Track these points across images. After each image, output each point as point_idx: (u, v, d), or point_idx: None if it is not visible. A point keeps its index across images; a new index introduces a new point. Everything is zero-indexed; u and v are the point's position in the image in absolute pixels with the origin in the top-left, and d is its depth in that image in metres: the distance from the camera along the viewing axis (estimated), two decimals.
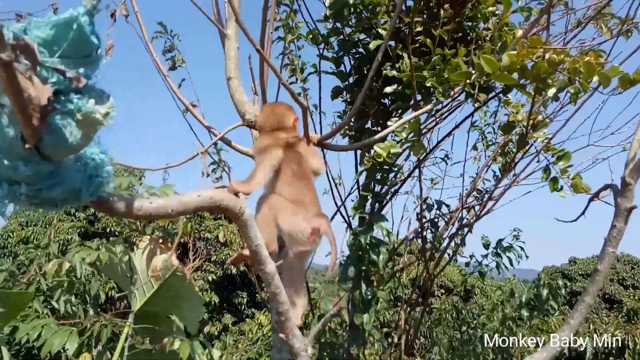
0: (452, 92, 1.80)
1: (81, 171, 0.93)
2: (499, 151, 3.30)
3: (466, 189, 3.50)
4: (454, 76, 1.59)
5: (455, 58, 1.78)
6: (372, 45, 2.15)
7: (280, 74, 1.71)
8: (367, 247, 1.95)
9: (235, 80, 1.69)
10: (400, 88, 2.08)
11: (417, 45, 2.11)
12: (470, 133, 3.54)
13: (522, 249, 3.47)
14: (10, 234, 12.13)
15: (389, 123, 1.95)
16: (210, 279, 15.46)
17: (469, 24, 2.14)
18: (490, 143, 3.56)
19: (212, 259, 15.95)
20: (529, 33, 1.82)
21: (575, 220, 2.33)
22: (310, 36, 2.66)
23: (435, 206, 3.05)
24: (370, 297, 1.95)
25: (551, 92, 1.99)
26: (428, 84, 1.79)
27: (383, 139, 1.88)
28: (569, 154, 2.35)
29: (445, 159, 3.52)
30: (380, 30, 2.20)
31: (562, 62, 1.75)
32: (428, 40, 1.97)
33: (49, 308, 5.61)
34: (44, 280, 4.87)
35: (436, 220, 3.09)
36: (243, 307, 17.11)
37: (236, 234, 17.07)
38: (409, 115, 1.90)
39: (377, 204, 2.64)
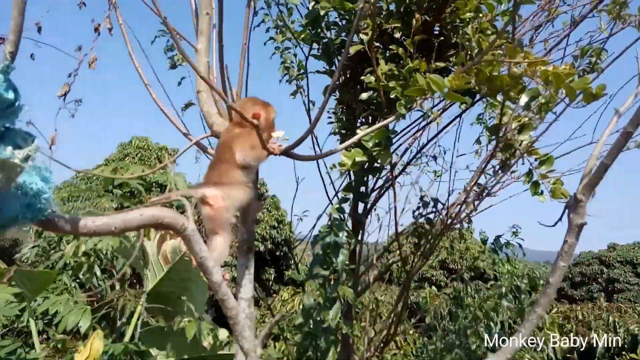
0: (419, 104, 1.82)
1: (20, 199, 1.06)
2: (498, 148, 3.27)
3: (466, 184, 3.49)
4: (409, 92, 1.62)
5: (425, 69, 1.80)
6: (352, 49, 2.18)
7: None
8: (328, 250, 2.05)
9: (204, 93, 1.78)
10: (374, 95, 2.11)
11: (396, 51, 2.13)
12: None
13: (520, 245, 3.46)
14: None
15: (358, 131, 2.00)
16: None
17: (448, 29, 2.14)
18: (492, 138, 3.52)
19: None
20: (495, 42, 1.81)
21: (553, 225, 2.33)
22: (302, 36, 2.70)
23: (431, 203, 3.09)
24: (334, 295, 2.06)
25: (522, 100, 1.98)
26: (392, 96, 1.82)
27: (351, 147, 1.94)
28: (551, 158, 2.33)
29: (440, 155, 3.52)
30: (361, 34, 2.22)
31: (526, 74, 1.75)
32: (400, 49, 1.99)
33: (77, 282, 6.03)
34: (72, 257, 5.22)
35: (432, 217, 3.12)
36: (270, 282, 17.66)
37: (265, 212, 17.57)
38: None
39: (362, 204, 2.71)
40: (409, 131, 2.97)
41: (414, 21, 1.93)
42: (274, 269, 17.90)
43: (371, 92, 2.14)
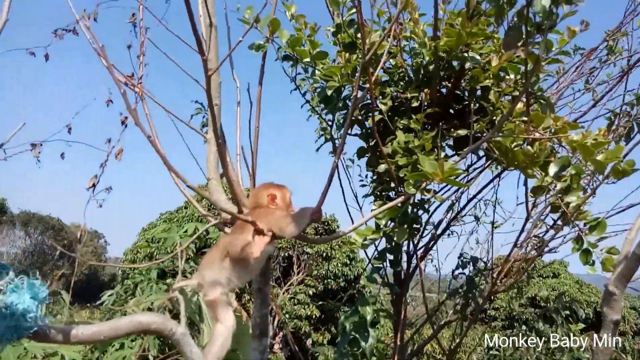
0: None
1: (5, 320, 1.14)
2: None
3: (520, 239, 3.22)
4: (410, 177, 1.54)
5: (429, 148, 1.71)
6: (370, 122, 2.15)
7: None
8: (354, 332, 1.96)
9: (214, 181, 1.83)
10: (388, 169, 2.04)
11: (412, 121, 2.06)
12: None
13: None
14: (139, 250, 13.59)
15: (372, 207, 1.93)
16: (310, 292, 15.99)
17: (469, 96, 2.03)
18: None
19: (313, 274, 16.46)
20: (513, 111, 1.69)
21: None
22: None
23: (471, 263, 2.88)
24: None
25: (552, 170, 1.81)
26: (401, 174, 1.75)
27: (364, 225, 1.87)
28: (603, 224, 2.08)
29: (481, 216, 3.28)
30: (380, 103, 2.18)
31: (542, 151, 1.60)
32: (412, 121, 1.92)
33: None
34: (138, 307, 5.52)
35: (474, 276, 2.90)
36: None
37: (336, 248, 17.51)
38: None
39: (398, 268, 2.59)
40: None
41: (422, 94, 1.86)
42: (347, 306, 17.63)
43: (386, 165, 2.08)
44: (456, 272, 2.99)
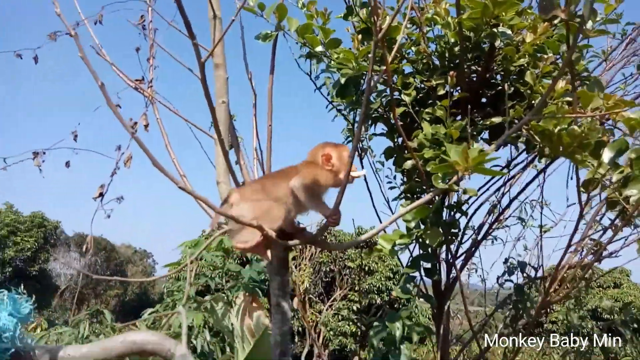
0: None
1: None
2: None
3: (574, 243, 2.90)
4: (436, 169, 1.34)
5: (457, 136, 1.50)
6: (398, 112, 1.96)
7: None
8: (385, 350, 1.74)
9: (224, 184, 1.70)
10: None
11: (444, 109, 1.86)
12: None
13: None
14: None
15: (400, 205, 1.73)
16: (354, 308, 15.64)
17: (503, 79, 1.80)
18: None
19: (356, 288, 16.11)
20: (553, 89, 1.45)
21: None
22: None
23: (518, 269, 2.59)
24: None
25: (606, 156, 1.55)
26: (428, 168, 1.55)
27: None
28: None
29: (527, 219, 2.97)
30: (403, 95, 1.99)
31: (592, 132, 1.35)
32: (440, 110, 1.71)
33: (190, 347, 6.29)
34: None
35: (523, 285, 2.61)
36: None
37: (379, 262, 17.09)
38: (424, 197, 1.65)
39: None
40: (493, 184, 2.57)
41: (448, 78, 1.66)
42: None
43: (413, 160, 1.88)
44: (502, 280, 2.71)
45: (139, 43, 2.00)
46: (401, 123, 2.14)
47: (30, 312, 1.13)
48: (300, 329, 17.04)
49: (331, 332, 15.96)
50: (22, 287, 1.18)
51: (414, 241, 1.76)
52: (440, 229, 1.71)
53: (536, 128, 1.50)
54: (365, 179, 2.80)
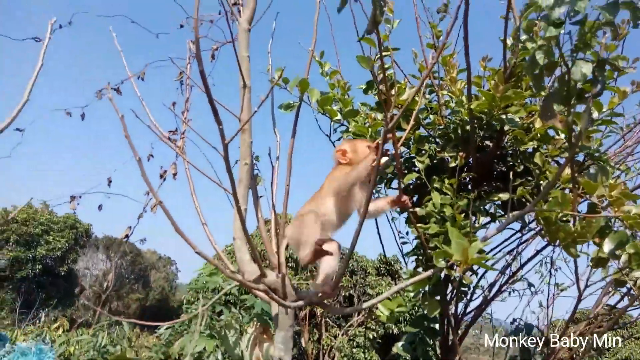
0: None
1: None
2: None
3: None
4: (437, 254, 1.42)
5: (461, 220, 1.58)
6: (406, 179, 2.06)
7: None
8: None
9: (239, 240, 1.82)
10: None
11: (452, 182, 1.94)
12: None
13: None
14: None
15: (403, 276, 1.81)
16: (371, 336, 15.45)
17: (513, 157, 1.87)
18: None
19: (374, 317, 15.92)
20: (559, 177, 1.52)
21: None
22: None
23: (524, 330, 2.59)
24: None
25: (607, 247, 1.59)
26: (432, 244, 1.63)
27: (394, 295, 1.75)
28: None
29: (530, 287, 2.97)
30: (417, 161, 2.09)
31: (590, 228, 1.41)
32: (445, 185, 1.79)
33: None
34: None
35: (530, 347, 2.61)
36: None
37: (400, 293, 16.83)
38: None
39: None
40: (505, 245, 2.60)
41: (458, 157, 1.74)
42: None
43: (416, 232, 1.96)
44: (508, 340, 2.72)
45: (176, 97, 2.17)
46: (413, 186, 2.24)
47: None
48: (314, 351, 16.93)
49: (345, 358, 15.78)
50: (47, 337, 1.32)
51: (411, 309, 1.82)
52: (439, 301, 1.77)
53: (541, 214, 1.56)
54: (377, 229, 2.86)
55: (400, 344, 2.21)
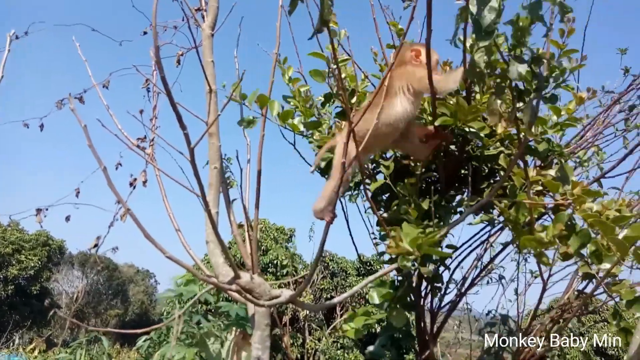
0: None
1: None
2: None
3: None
4: (391, 251, 1.46)
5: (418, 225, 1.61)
6: (372, 187, 2.10)
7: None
8: None
9: (212, 244, 1.83)
10: None
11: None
12: None
13: None
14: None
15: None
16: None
17: (475, 163, 1.92)
18: None
19: (342, 333, 15.99)
20: (511, 170, 1.58)
21: None
22: None
23: (500, 322, 2.66)
24: None
25: (573, 246, 1.61)
26: (392, 245, 1.66)
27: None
28: None
29: (500, 280, 3.06)
30: (382, 167, 2.12)
31: (553, 241, 1.45)
32: (402, 188, 1.83)
33: None
34: None
35: (505, 338, 2.68)
36: None
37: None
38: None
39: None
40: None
41: (418, 166, 1.80)
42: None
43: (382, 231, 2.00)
44: (484, 332, 2.79)
45: (144, 105, 2.17)
46: (381, 190, 2.27)
47: None
48: (299, 355, 16.89)
49: None
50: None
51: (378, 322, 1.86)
52: (406, 312, 1.82)
53: (508, 216, 1.60)
54: (347, 224, 2.88)
55: (371, 348, 2.24)
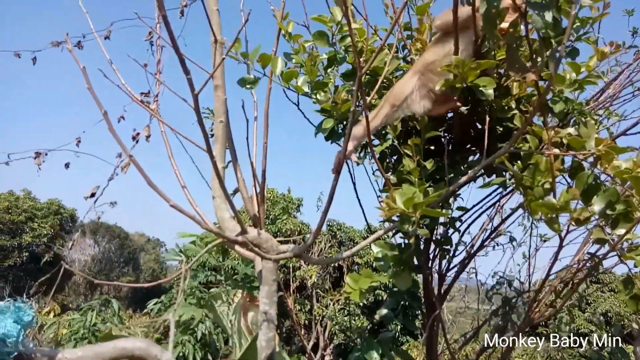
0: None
1: None
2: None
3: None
4: (388, 212, 1.41)
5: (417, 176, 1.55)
6: (377, 149, 2.04)
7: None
8: None
9: (219, 199, 1.80)
10: None
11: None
12: None
13: None
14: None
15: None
16: (361, 304, 15.75)
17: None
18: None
19: (346, 297, 16.19)
20: (526, 126, 1.51)
21: None
22: None
23: (506, 283, 2.65)
24: None
25: (597, 206, 1.52)
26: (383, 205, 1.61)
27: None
28: None
29: (511, 242, 3.02)
30: (389, 128, 2.05)
31: (566, 206, 1.38)
32: (406, 147, 1.76)
33: (194, 336, 6.46)
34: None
35: (513, 299, 2.67)
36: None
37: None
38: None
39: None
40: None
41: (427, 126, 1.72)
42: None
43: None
44: (490, 293, 2.78)
45: (147, 59, 2.10)
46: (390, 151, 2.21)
47: (33, 320, 1.25)
48: (306, 322, 17.25)
49: (337, 327, 16.13)
50: (25, 296, 1.29)
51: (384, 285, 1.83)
52: (411, 274, 1.78)
53: (520, 179, 1.53)
54: (356, 191, 2.84)
55: (383, 311, 2.23)
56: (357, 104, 1.52)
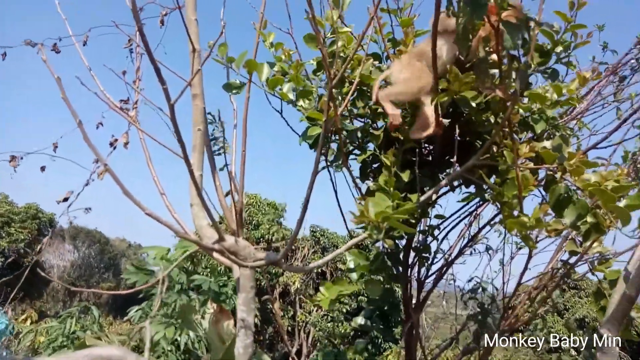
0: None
1: None
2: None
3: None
4: (358, 220, 1.44)
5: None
6: (359, 159, 2.06)
7: None
8: None
9: (196, 207, 1.81)
10: None
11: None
12: None
13: None
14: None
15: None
16: (344, 310, 15.77)
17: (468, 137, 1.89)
18: None
19: (315, 305, 16.23)
20: (498, 138, 1.56)
21: None
22: None
23: (480, 289, 2.70)
24: None
25: (568, 218, 1.57)
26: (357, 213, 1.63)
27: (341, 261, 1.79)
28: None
29: (487, 250, 3.09)
30: (371, 136, 2.07)
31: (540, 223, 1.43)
32: (384, 156, 1.79)
33: (175, 345, 6.40)
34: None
35: (487, 305, 2.72)
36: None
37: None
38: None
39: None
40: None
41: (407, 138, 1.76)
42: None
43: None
44: (466, 297, 2.83)
45: (127, 65, 2.10)
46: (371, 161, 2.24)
47: (7, 327, 1.24)
48: (289, 328, 17.18)
49: (320, 333, 16.12)
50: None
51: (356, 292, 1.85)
52: (384, 282, 1.81)
53: (497, 194, 1.57)
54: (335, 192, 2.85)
55: (359, 319, 2.26)
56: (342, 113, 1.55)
